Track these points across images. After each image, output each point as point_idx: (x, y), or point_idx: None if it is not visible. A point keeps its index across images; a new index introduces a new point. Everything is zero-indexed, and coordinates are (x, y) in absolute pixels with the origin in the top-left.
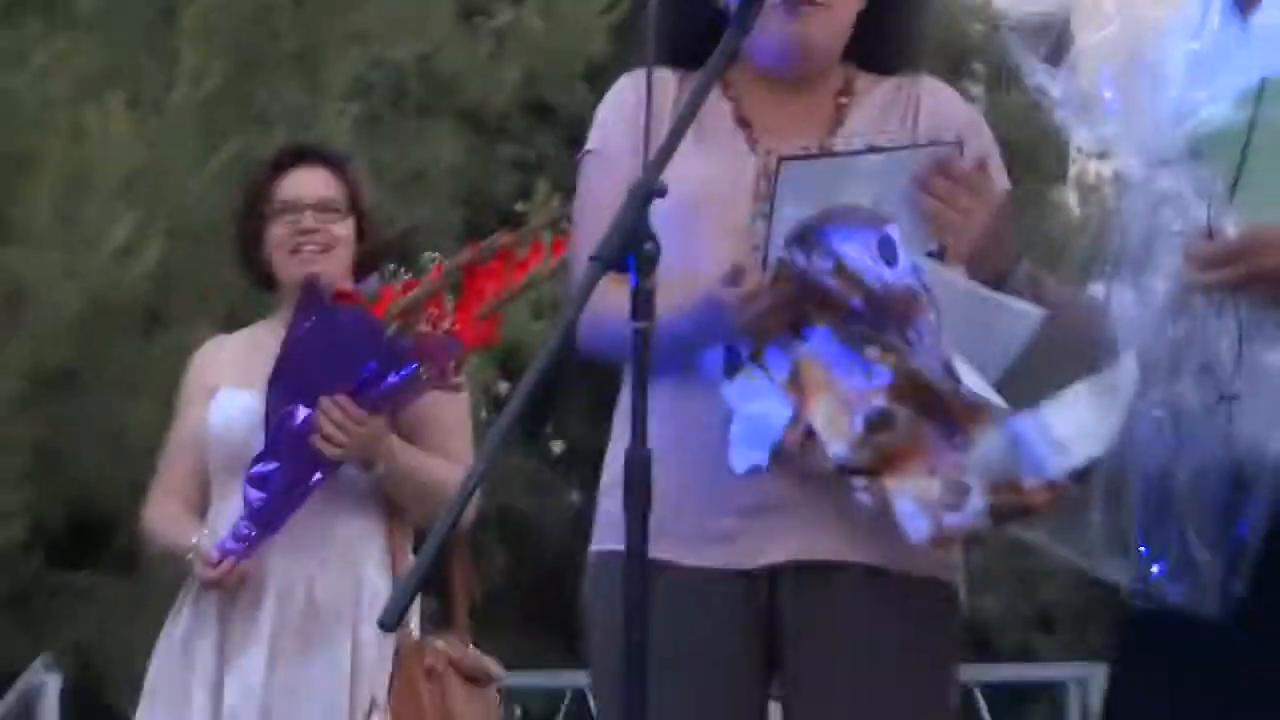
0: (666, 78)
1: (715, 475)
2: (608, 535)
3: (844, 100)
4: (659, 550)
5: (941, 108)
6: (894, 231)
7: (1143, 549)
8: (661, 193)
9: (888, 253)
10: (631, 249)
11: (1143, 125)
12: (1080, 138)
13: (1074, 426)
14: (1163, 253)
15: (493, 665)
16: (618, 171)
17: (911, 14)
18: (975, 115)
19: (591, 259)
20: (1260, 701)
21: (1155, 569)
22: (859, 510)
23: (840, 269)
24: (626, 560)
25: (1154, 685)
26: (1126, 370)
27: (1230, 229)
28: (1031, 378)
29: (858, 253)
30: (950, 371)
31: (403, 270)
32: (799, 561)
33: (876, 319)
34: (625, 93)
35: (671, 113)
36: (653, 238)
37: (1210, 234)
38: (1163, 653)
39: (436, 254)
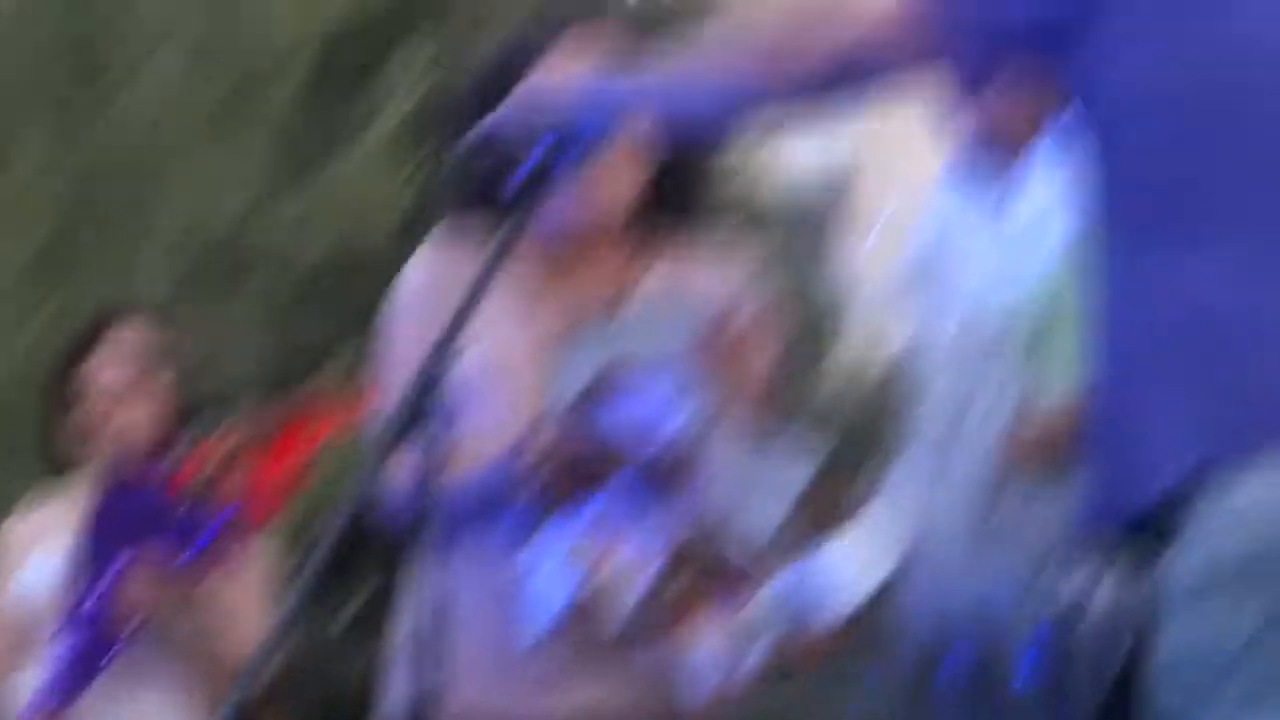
0: (458, 248)
1: (506, 645)
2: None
3: (630, 267)
4: None
5: (717, 270)
6: (670, 386)
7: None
8: (461, 352)
9: (665, 407)
10: (428, 415)
11: (949, 307)
12: (894, 318)
13: (849, 567)
14: (973, 430)
15: None
16: (412, 341)
17: (692, 188)
18: (750, 273)
19: (388, 424)
20: None
21: None
22: (645, 668)
23: (621, 425)
24: None
25: None
26: (896, 508)
27: (1040, 400)
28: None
29: (638, 409)
30: (725, 524)
31: (215, 427)
32: None
33: (658, 475)
34: (423, 261)
35: (459, 282)
36: (447, 403)
37: (1021, 406)
38: None
39: (250, 412)
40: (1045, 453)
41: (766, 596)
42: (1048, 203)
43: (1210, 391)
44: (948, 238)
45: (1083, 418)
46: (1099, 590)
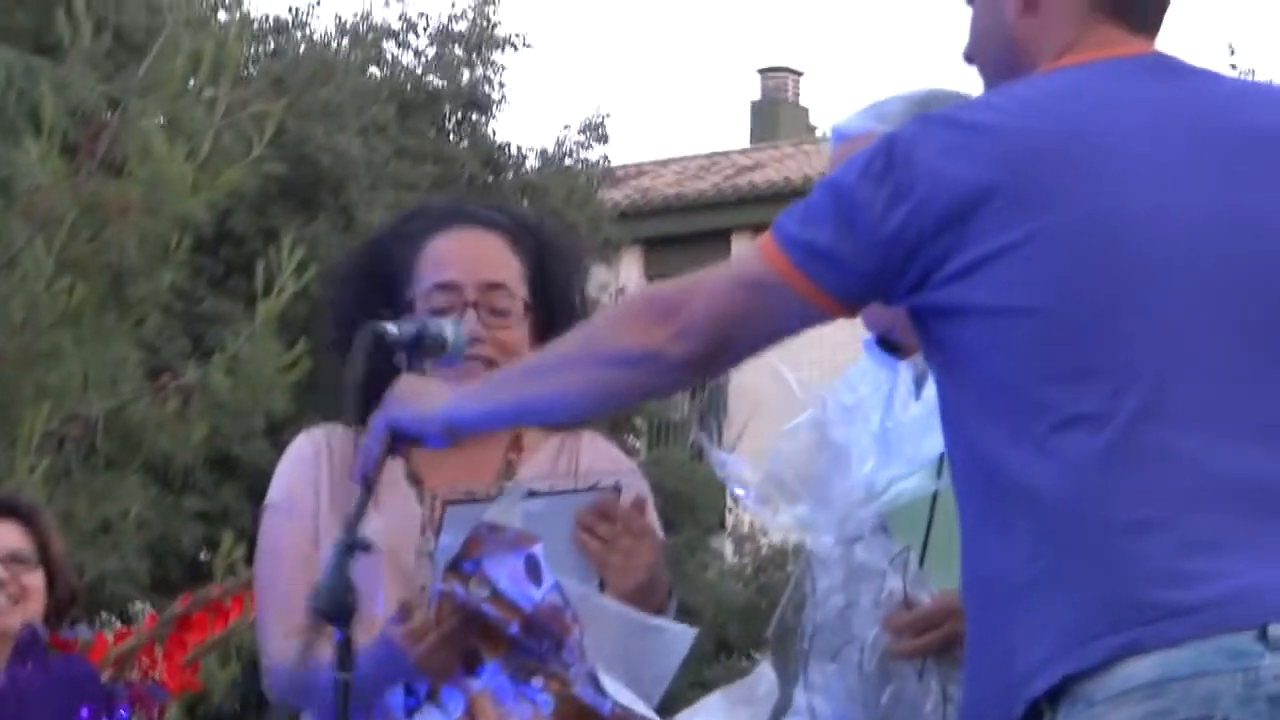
0: (338, 436)
1: None
2: None
3: (513, 456)
4: None
5: (600, 457)
6: (538, 551)
7: None
8: (365, 547)
9: (534, 573)
10: (338, 602)
11: (833, 506)
12: (776, 521)
13: None
14: (861, 625)
15: None
16: (298, 522)
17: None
18: (631, 464)
19: (310, 609)
20: None
21: None
22: None
23: (494, 595)
24: None
25: None
26: (765, 680)
27: (925, 597)
28: None
29: (508, 576)
30: (598, 685)
31: (114, 619)
32: None
33: (534, 638)
34: (303, 449)
35: (345, 470)
36: (354, 590)
37: (908, 604)
38: None
39: (147, 605)
40: (935, 642)
41: None
42: (928, 410)
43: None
44: (832, 437)
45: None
46: None
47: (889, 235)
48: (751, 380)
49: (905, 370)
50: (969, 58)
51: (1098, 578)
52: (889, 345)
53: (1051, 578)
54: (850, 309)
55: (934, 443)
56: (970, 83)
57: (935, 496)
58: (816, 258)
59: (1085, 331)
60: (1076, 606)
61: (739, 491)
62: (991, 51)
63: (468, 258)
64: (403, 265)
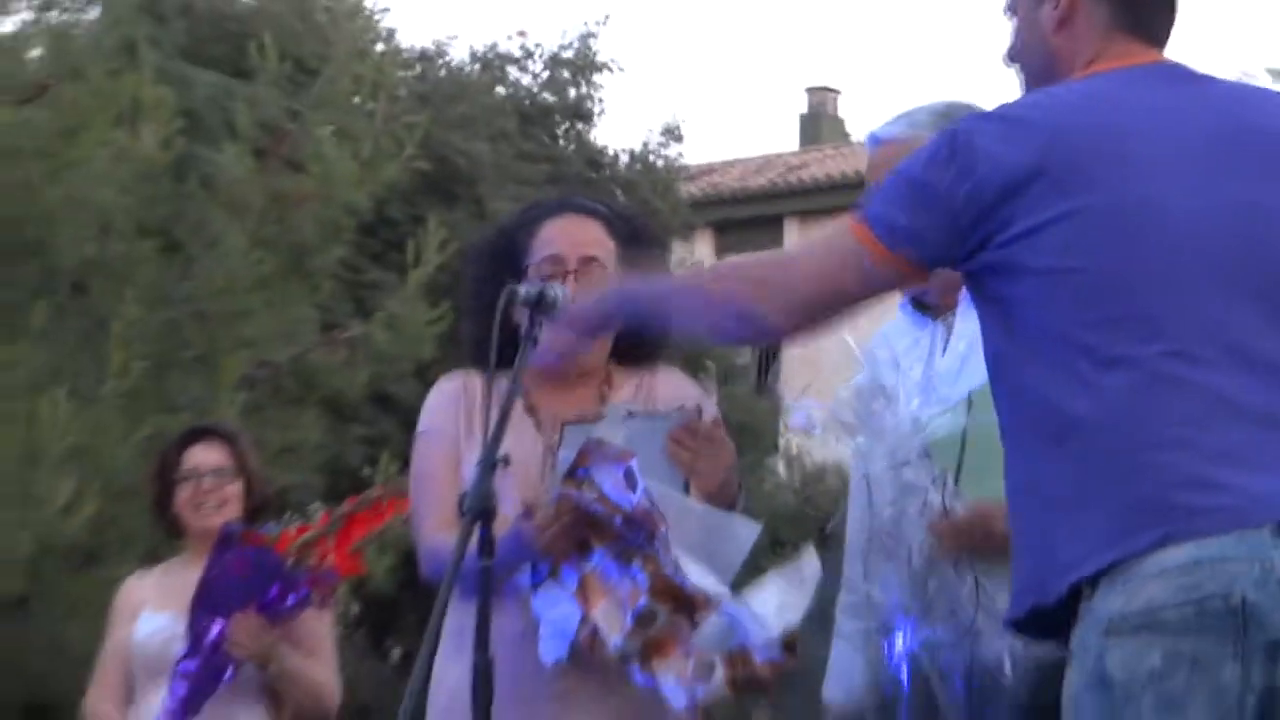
0: (474, 379)
1: (522, 675)
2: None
3: (605, 389)
4: None
5: (673, 388)
6: (634, 464)
7: None
8: (506, 461)
9: (630, 482)
10: (483, 505)
11: (885, 438)
12: (839, 450)
13: (770, 606)
14: (910, 530)
15: None
16: (442, 444)
17: (648, 341)
18: (700, 392)
19: (463, 512)
20: None
21: None
22: (634, 689)
23: (601, 496)
24: None
25: None
26: (810, 564)
27: (959, 508)
28: None
29: (611, 483)
30: (678, 570)
31: (293, 517)
32: None
33: (633, 533)
34: (445, 387)
35: (480, 404)
36: (494, 496)
37: (946, 513)
38: None
39: (321, 505)
40: (969, 543)
41: (708, 624)
42: (969, 345)
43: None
44: (884, 371)
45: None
46: (1016, 647)
47: (956, 208)
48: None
49: (937, 328)
50: (1011, 60)
51: (1137, 485)
52: (921, 306)
53: (1094, 490)
54: (926, 274)
55: (964, 387)
56: (978, 94)
57: (965, 430)
58: (897, 232)
59: (1119, 289)
60: (1118, 509)
61: (811, 429)
62: (1032, 60)
63: (571, 237)
64: (522, 243)
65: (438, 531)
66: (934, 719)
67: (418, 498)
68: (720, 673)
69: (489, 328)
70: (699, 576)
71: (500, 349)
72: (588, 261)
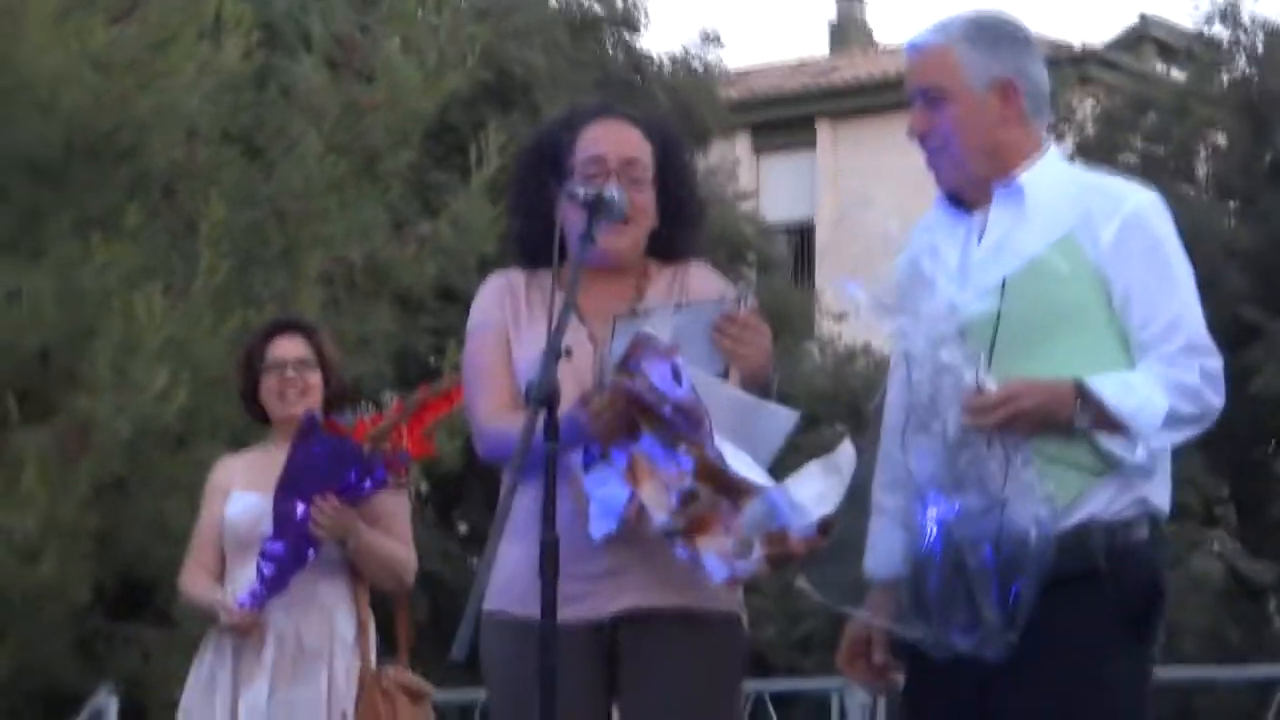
0: (517, 275)
1: (576, 552)
2: (496, 601)
3: (643, 283)
4: (529, 610)
5: (705, 282)
6: (680, 360)
7: (942, 617)
8: (569, 352)
9: (677, 377)
10: (547, 392)
11: (923, 320)
12: (883, 328)
13: (809, 494)
14: (944, 406)
15: (426, 685)
16: (492, 335)
17: (689, 228)
18: (725, 284)
19: (529, 400)
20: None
21: (951, 630)
22: (677, 564)
23: (651, 387)
24: (542, 628)
25: (936, 708)
26: (846, 454)
27: (991, 386)
28: None
29: (658, 375)
30: (722, 458)
31: (370, 406)
32: (632, 611)
33: (681, 421)
34: (493, 284)
35: (525, 299)
36: (557, 384)
37: (979, 390)
38: (937, 682)
39: (394, 394)
40: (1000, 418)
41: (751, 509)
42: (1003, 236)
43: None
44: (921, 259)
45: None
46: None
47: None
48: (833, 232)
49: (972, 220)
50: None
51: None
52: (956, 201)
53: None
54: None
55: (998, 274)
56: (1011, 5)
57: (999, 313)
58: None
59: None
60: None
61: (854, 307)
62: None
63: (612, 139)
64: (565, 144)
65: (493, 416)
66: (963, 585)
67: (472, 386)
68: (758, 550)
69: (537, 225)
70: (741, 464)
71: (546, 246)
72: (629, 163)
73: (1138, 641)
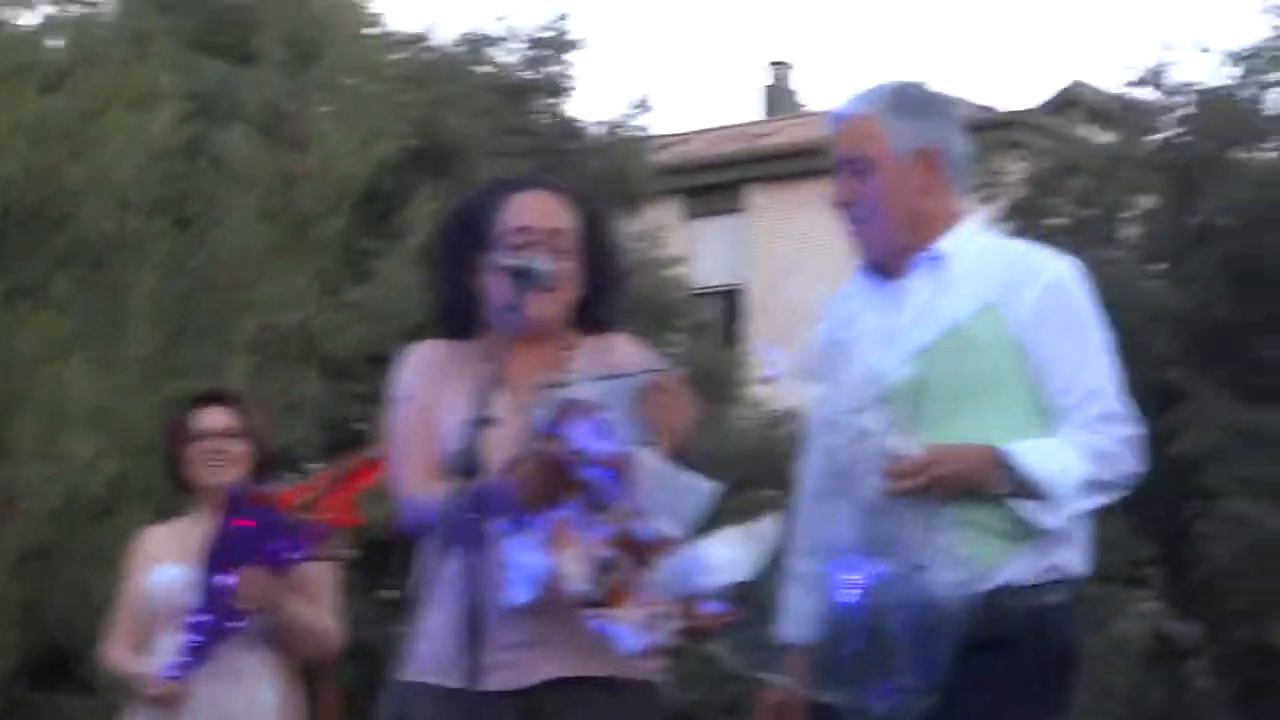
0: (440, 346)
1: (491, 620)
2: (420, 669)
3: (567, 352)
4: (451, 680)
5: (627, 351)
6: (607, 416)
7: (859, 681)
8: (493, 421)
9: (604, 431)
10: (471, 462)
11: (844, 386)
12: (802, 394)
13: (724, 557)
14: (865, 471)
15: None
16: (413, 409)
17: (612, 298)
18: (649, 354)
19: (454, 470)
20: None
21: (867, 694)
22: (593, 634)
23: (575, 450)
24: (466, 696)
25: None
26: (768, 525)
27: (912, 451)
28: None
29: (585, 436)
30: (642, 515)
31: (294, 476)
32: (553, 680)
33: (604, 484)
34: (419, 355)
35: (449, 369)
36: (482, 454)
37: (899, 456)
38: None
39: (320, 465)
40: (921, 484)
41: (665, 568)
42: (926, 302)
43: None
44: (842, 327)
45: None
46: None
47: None
48: (763, 295)
49: (892, 288)
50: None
51: None
52: (876, 269)
53: None
54: None
55: (919, 341)
56: (928, 72)
57: (920, 380)
58: None
59: None
60: None
61: (773, 374)
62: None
63: (539, 210)
64: (491, 215)
65: (415, 486)
66: (881, 649)
67: (395, 456)
68: (670, 623)
69: (460, 295)
70: (663, 521)
71: (469, 316)
72: (554, 233)
73: (1053, 705)
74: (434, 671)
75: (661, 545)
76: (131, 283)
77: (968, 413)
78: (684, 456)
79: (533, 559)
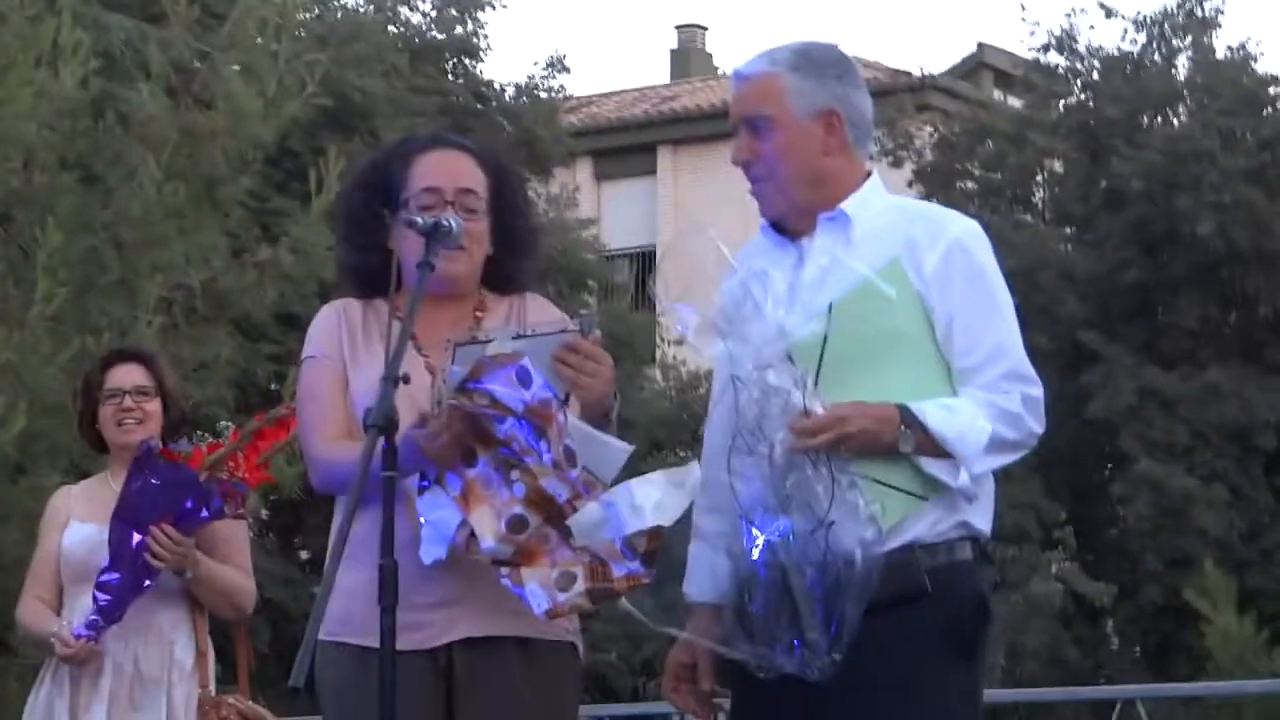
0: (352, 305)
1: (404, 579)
2: (334, 628)
3: (480, 314)
4: (365, 639)
5: (542, 311)
6: (526, 363)
7: (767, 637)
8: (406, 379)
9: (524, 380)
10: (385, 419)
11: (751, 342)
12: (709, 353)
13: (650, 500)
14: (771, 428)
15: (266, 713)
16: (327, 365)
17: (524, 257)
18: (562, 316)
19: (368, 427)
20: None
21: (776, 650)
22: (501, 592)
23: (493, 401)
24: (380, 655)
25: None
26: (693, 474)
27: (818, 409)
28: None
29: (503, 386)
30: (571, 456)
31: (204, 435)
32: (467, 639)
33: (522, 429)
34: (328, 315)
35: (361, 328)
36: (395, 411)
37: (806, 413)
38: (763, 704)
39: (229, 423)
40: (818, 443)
41: (590, 515)
42: (829, 262)
43: None
44: (749, 283)
45: None
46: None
47: None
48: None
49: (795, 247)
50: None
51: None
52: (779, 229)
53: None
54: None
55: (826, 298)
56: (849, 31)
57: (825, 337)
58: None
59: None
60: None
61: (682, 330)
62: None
63: (447, 170)
64: (398, 174)
65: (327, 445)
66: (788, 606)
67: (306, 415)
68: (580, 584)
69: (371, 255)
70: (591, 457)
71: (379, 275)
72: (463, 192)
73: (964, 662)
74: (348, 631)
75: (579, 496)
76: (37, 240)
77: (873, 370)
78: (603, 416)
79: (445, 515)
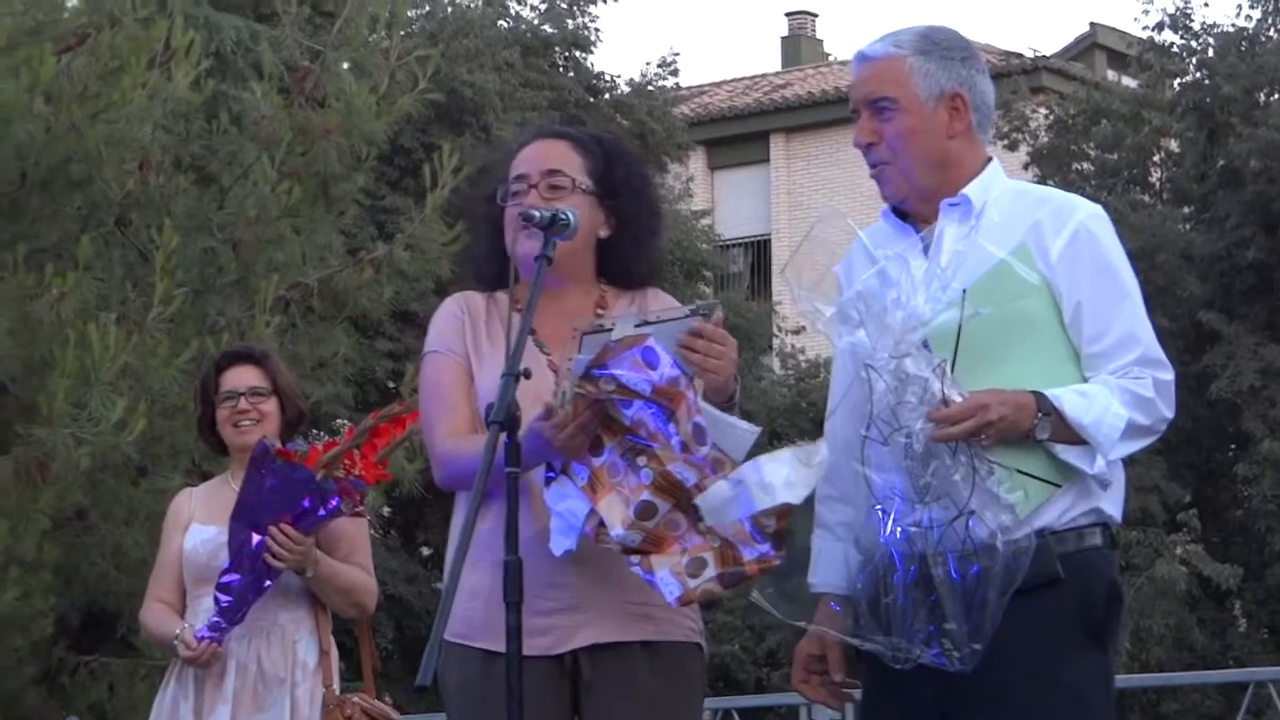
0: (475, 298)
1: (529, 581)
2: (458, 629)
3: (600, 310)
4: (490, 639)
5: (663, 303)
6: (651, 343)
7: (904, 628)
8: (528, 374)
9: (650, 360)
10: (507, 414)
11: (889, 330)
12: (845, 340)
13: (780, 477)
14: (908, 417)
15: (391, 711)
16: (451, 359)
17: (645, 242)
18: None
19: (490, 423)
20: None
21: (914, 641)
22: (633, 584)
23: (619, 387)
24: (507, 654)
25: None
26: (821, 452)
27: (957, 397)
28: None
29: (629, 370)
30: (700, 433)
31: (320, 434)
32: (592, 645)
33: (651, 420)
34: (450, 308)
35: (484, 322)
36: (517, 406)
37: (945, 402)
38: (896, 693)
39: (347, 421)
40: (957, 431)
41: (719, 494)
42: (955, 253)
43: None
44: (887, 270)
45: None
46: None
47: None
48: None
49: (918, 233)
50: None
51: None
52: (901, 214)
53: None
54: None
55: (959, 284)
56: (960, 13)
57: (960, 324)
58: None
59: None
60: None
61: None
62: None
63: (537, 155)
64: (505, 169)
65: (451, 440)
66: (926, 596)
67: (429, 410)
68: (712, 569)
69: (493, 249)
70: (721, 435)
71: (499, 269)
72: (549, 174)
73: (1098, 648)
74: (472, 633)
75: (706, 478)
76: (154, 243)
77: (1006, 357)
78: (728, 400)
79: (573, 505)
